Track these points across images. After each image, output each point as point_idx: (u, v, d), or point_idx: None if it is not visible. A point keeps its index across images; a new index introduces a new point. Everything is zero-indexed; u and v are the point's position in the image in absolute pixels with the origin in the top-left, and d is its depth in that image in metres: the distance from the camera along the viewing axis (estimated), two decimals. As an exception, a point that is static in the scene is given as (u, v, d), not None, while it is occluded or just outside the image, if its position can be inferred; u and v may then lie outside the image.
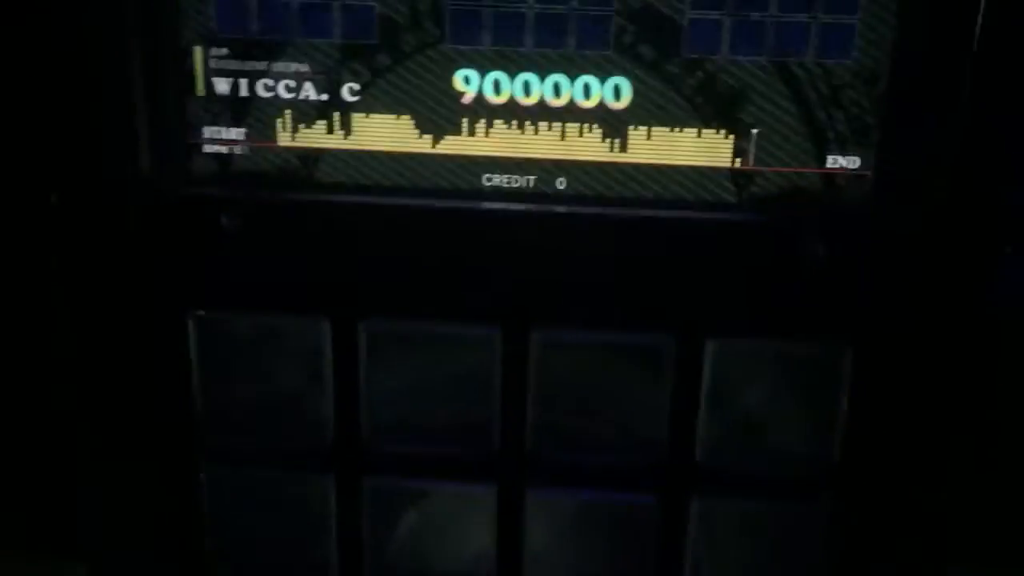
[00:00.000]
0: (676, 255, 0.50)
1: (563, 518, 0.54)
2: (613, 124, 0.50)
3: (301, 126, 0.51)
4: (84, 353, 0.52)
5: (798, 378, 0.52)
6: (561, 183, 0.51)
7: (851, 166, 0.49)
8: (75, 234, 0.51)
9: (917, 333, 0.50)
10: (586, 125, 0.50)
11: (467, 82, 0.50)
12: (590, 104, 0.50)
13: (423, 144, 0.51)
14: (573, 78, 0.49)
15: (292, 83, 0.50)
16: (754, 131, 0.49)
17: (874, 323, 0.50)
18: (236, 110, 0.50)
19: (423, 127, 0.50)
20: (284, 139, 0.51)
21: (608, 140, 0.50)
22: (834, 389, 0.51)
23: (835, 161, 0.49)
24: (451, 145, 0.50)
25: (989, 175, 0.48)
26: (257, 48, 0.49)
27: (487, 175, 0.51)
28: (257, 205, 0.51)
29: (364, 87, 0.50)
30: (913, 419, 0.51)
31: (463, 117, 0.50)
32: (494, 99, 0.50)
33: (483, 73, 0.49)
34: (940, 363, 0.50)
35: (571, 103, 0.50)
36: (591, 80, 0.49)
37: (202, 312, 0.52)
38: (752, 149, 0.50)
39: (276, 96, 0.50)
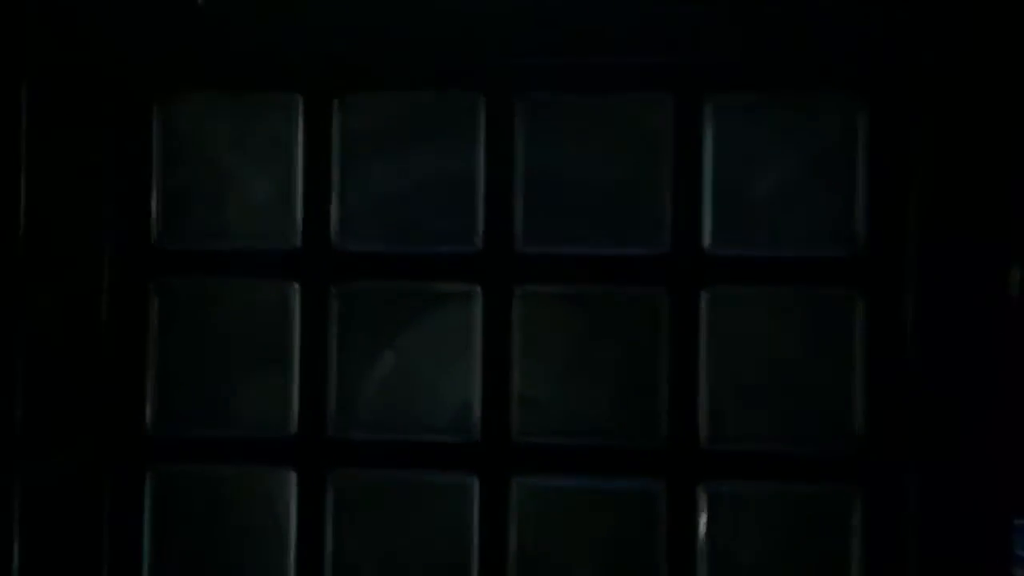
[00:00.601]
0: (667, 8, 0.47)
1: (555, 316, 0.48)
2: None
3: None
4: (42, 150, 0.49)
5: (806, 145, 0.47)
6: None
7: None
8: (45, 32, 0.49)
9: (945, 77, 0.46)
10: None
11: None
12: None
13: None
14: None
15: None
16: None
17: (894, 68, 0.46)
18: None
19: None
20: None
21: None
22: (851, 154, 0.46)
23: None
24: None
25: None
26: None
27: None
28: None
29: None
30: (948, 181, 0.46)
31: None
32: None
33: None
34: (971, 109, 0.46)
35: None
36: None
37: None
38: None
39: None
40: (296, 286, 0.48)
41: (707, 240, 0.47)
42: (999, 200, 0.45)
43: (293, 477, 0.48)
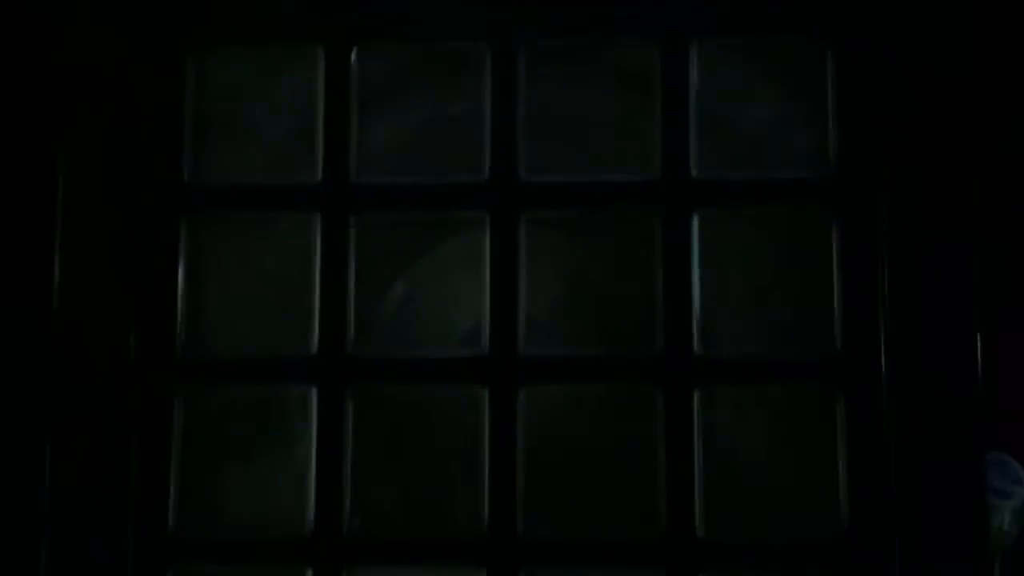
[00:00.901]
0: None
1: (557, 239, 0.52)
2: None
3: None
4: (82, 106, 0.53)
5: (783, 81, 0.52)
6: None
7: None
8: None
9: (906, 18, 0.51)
10: None
11: None
12: None
13: None
14: None
15: None
16: None
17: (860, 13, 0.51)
18: None
19: None
20: None
21: None
22: (823, 89, 0.51)
23: None
24: None
25: None
26: None
27: None
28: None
29: None
30: (911, 110, 0.51)
31: None
32: None
33: None
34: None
35: None
36: None
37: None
38: None
39: None
40: (317, 216, 0.52)
41: (694, 167, 0.52)
42: (955, 125, 0.51)
43: (314, 393, 0.52)
